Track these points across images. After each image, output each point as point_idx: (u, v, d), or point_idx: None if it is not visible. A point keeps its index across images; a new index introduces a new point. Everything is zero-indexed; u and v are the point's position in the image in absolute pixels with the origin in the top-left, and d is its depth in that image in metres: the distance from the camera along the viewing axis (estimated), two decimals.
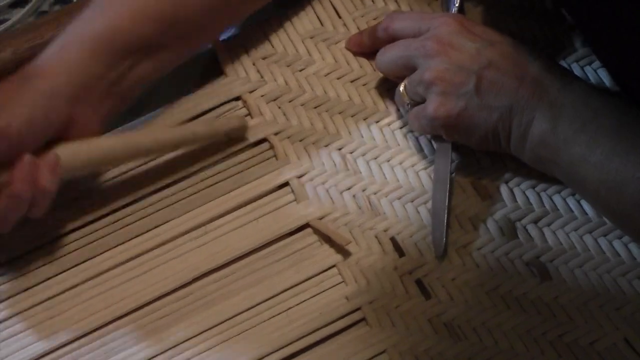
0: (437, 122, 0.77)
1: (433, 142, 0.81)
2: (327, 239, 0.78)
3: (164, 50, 0.78)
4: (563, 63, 0.84)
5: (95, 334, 0.75)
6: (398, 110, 0.82)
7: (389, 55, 0.80)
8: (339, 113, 0.83)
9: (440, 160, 0.80)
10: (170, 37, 0.78)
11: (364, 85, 0.84)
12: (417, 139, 0.81)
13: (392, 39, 0.81)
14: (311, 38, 0.85)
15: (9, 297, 0.77)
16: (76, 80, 0.75)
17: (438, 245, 0.77)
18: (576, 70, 0.84)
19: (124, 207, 0.79)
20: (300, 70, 0.84)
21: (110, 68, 0.76)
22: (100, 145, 0.76)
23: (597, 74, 0.83)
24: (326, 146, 0.81)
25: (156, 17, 0.77)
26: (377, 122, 0.82)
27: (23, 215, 0.73)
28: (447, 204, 0.78)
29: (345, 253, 0.78)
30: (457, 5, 0.83)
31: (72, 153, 0.74)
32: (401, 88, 0.79)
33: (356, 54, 0.84)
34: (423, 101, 0.78)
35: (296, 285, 0.77)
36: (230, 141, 0.81)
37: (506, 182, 0.80)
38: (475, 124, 0.76)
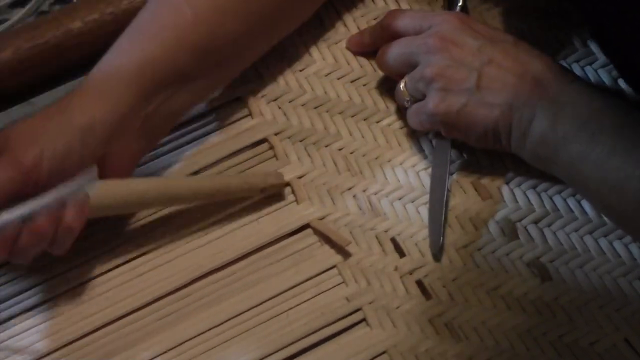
0: (437, 118, 0.77)
1: (432, 140, 0.81)
2: (327, 239, 0.78)
3: (199, 79, 0.76)
4: (563, 63, 0.84)
5: (96, 334, 0.75)
6: (399, 110, 0.82)
7: (390, 52, 0.80)
8: (339, 113, 0.83)
9: (438, 158, 0.80)
10: (206, 66, 0.76)
11: (364, 85, 0.84)
12: (418, 139, 0.81)
13: (393, 37, 0.81)
14: (311, 38, 0.85)
15: (9, 299, 0.76)
16: (113, 116, 0.72)
17: (435, 242, 0.77)
18: (576, 70, 0.84)
19: None
20: (301, 70, 0.84)
21: (147, 101, 0.74)
22: (133, 188, 0.74)
23: (597, 73, 0.83)
24: (327, 146, 0.81)
25: (192, 46, 0.75)
26: (378, 122, 0.82)
27: (44, 250, 0.71)
28: (445, 201, 0.78)
29: (345, 253, 0.78)
30: (460, 4, 0.83)
31: (103, 193, 0.72)
32: (402, 85, 0.79)
33: (357, 53, 0.84)
34: (423, 98, 0.78)
35: (296, 285, 0.77)
36: (266, 197, 0.79)
37: (507, 183, 0.80)
38: (475, 121, 0.76)
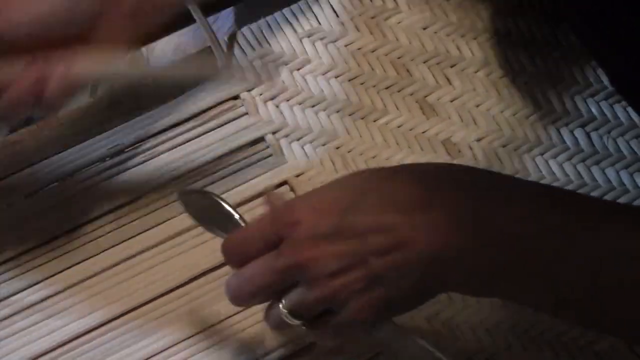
0: (365, 320, 0.63)
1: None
2: None
3: None
4: (563, 63, 0.84)
5: (93, 333, 0.75)
6: (397, 108, 0.82)
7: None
8: (337, 112, 0.82)
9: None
10: None
11: (361, 84, 0.83)
12: (415, 137, 0.81)
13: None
14: (309, 37, 0.85)
15: (7, 297, 0.76)
16: None
17: None
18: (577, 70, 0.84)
19: (122, 206, 0.79)
20: (298, 69, 0.84)
21: None
22: (112, 69, 0.71)
23: (596, 72, 0.83)
24: (324, 145, 0.81)
25: None
26: (375, 120, 0.82)
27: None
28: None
29: None
30: None
31: (87, 67, 0.69)
32: (284, 315, 0.63)
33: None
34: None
35: None
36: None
37: None
38: (405, 298, 0.63)
